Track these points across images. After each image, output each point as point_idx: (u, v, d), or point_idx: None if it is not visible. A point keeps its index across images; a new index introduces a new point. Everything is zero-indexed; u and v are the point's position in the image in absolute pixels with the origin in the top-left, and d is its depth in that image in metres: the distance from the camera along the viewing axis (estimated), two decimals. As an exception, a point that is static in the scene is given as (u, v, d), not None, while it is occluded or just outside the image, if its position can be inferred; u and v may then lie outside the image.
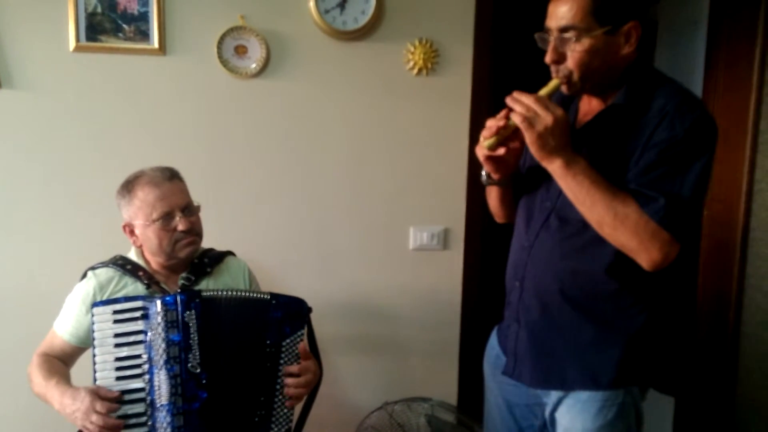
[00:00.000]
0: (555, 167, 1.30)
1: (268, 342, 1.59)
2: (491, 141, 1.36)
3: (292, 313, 1.62)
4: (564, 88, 1.37)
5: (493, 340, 1.69)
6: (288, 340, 1.61)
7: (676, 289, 1.43)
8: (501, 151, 1.37)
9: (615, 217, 1.25)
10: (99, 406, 1.45)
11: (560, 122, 1.27)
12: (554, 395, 1.47)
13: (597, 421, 1.40)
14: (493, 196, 1.60)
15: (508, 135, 1.37)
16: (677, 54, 2.77)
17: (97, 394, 1.47)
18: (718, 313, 2.38)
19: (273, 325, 1.60)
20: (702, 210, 1.29)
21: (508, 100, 1.31)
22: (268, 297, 1.61)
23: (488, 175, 1.51)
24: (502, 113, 1.35)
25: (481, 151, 1.42)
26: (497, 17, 2.39)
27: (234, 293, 1.61)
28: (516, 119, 1.29)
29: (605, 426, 1.40)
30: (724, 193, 2.35)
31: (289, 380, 1.59)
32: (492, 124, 1.37)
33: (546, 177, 1.41)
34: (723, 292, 2.36)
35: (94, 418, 1.44)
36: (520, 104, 1.29)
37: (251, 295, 1.63)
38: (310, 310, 1.68)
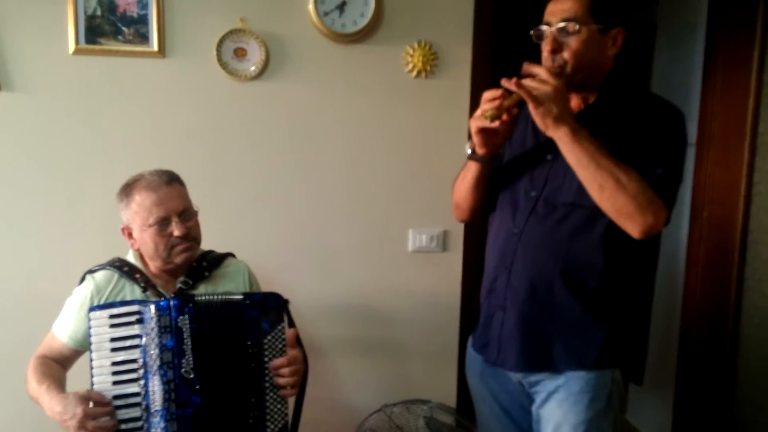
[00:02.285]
0: (562, 134, 1.37)
1: (249, 342, 1.58)
2: (493, 111, 1.42)
3: (268, 309, 1.61)
4: None
5: (471, 352, 1.72)
6: (269, 337, 1.60)
7: (650, 273, 1.56)
8: (496, 123, 1.44)
9: (618, 181, 1.34)
10: (93, 413, 1.45)
11: (560, 91, 1.37)
12: (544, 391, 1.52)
13: (589, 412, 1.46)
14: (469, 177, 1.61)
15: (507, 108, 1.44)
16: (676, 57, 2.77)
17: (87, 400, 1.46)
18: (717, 315, 2.38)
19: (251, 324, 1.59)
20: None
21: (504, 83, 1.40)
22: (241, 297, 1.61)
23: (473, 150, 1.56)
24: (500, 91, 1.44)
25: (475, 123, 1.48)
26: (496, 19, 2.39)
27: (216, 297, 1.61)
28: (518, 92, 1.37)
29: (596, 417, 1.46)
30: (723, 196, 2.35)
31: (280, 371, 1.59)
32: (492, 95, 1.44)
33: (528, 168, 1.54)
34: (722, 294, 2.36)
35: (91, 426, 1.44)
36: (518, 83, 1.38)
37: (226, 297, 1.62)
38: (286, 302, 1.67)
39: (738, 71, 2.27)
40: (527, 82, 1.38)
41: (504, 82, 1.39)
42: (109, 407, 1.49)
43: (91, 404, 1.46)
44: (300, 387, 1.71)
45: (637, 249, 1.44)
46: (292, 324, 1.71)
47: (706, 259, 2.46)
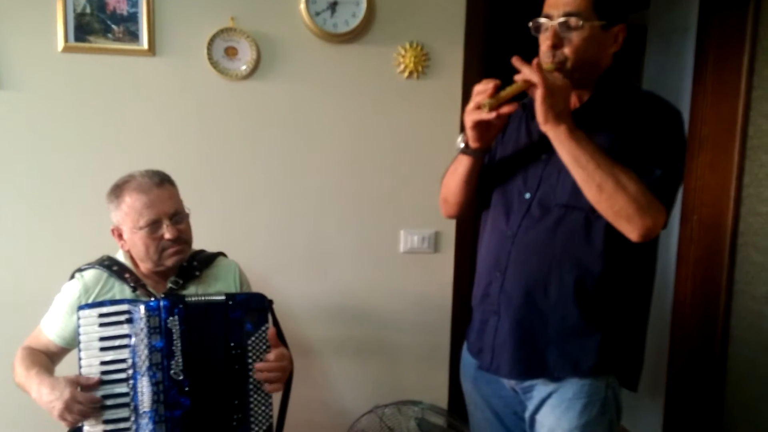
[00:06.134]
0: (560, 131, 1.33)
1: (232, 344, 1.57)
2: (491, 101, 1.36)
3: (251, 309, 1.60)
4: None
5: (466, 356, 1.68)
6: (253, 338, 1.59)
7: (648, 278, 1.51)
8: (493, 114, 1.38)
9: (617, 182, 1.30)
10: (81, 397, 1.44)
11: (569, 88, 1.35)
12: (537, 396, 1.48)
13: (582, 417, 1.42)
14: (460, 171, 1.56)
15: (506, 99, 1.38)
16: (667, 60, 2.78)
17: (77, 383, 1.46)
18: (707, 318, 2.39)
19: (234, 325, 1.58)
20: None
21: (517, 62, 1.34)
22: (224, 298, 1.59)
23: (466, 144, 1.51)
24: (492, 83, 1.39)
25: (471, 116, 1.41)
26: (488, 21, 2.39)
27: (203, 297, 1.60)
28: (533, 77, 1.31)
29: (590, 422, 1.43)
30: (713, 199, 2.36)
31: (262, 365, 1.57)
32: (483, 88, 1.38)
33: (522, 167, 1.49)
34: (712, 296, 2.37)
35: (77, 408, 1.43)
36: (538, 65, 1.33)
37: (208, 298, 1.61)
38: (271, 302, 1.66)
39: (728, 75, 2.29)
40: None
41: (517, 62, 1.34)
42: (97, 387, 1.48)
43: (79, 388, 1.46)
44: (285, 387, 1.70)
45: (635, 253, 1.40)
46: (276, 324, 1.70)
47: (696, 261, 2.47)
